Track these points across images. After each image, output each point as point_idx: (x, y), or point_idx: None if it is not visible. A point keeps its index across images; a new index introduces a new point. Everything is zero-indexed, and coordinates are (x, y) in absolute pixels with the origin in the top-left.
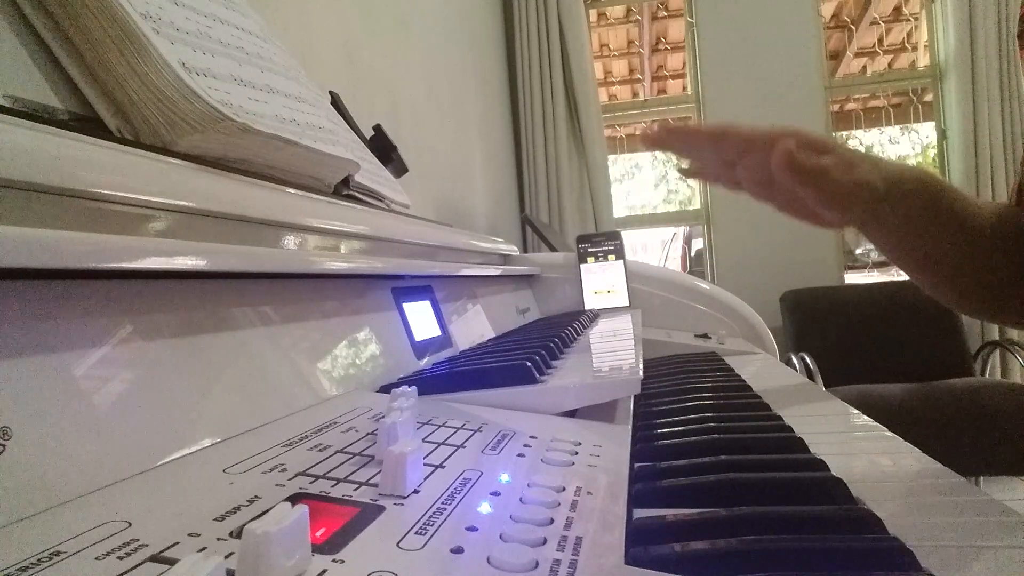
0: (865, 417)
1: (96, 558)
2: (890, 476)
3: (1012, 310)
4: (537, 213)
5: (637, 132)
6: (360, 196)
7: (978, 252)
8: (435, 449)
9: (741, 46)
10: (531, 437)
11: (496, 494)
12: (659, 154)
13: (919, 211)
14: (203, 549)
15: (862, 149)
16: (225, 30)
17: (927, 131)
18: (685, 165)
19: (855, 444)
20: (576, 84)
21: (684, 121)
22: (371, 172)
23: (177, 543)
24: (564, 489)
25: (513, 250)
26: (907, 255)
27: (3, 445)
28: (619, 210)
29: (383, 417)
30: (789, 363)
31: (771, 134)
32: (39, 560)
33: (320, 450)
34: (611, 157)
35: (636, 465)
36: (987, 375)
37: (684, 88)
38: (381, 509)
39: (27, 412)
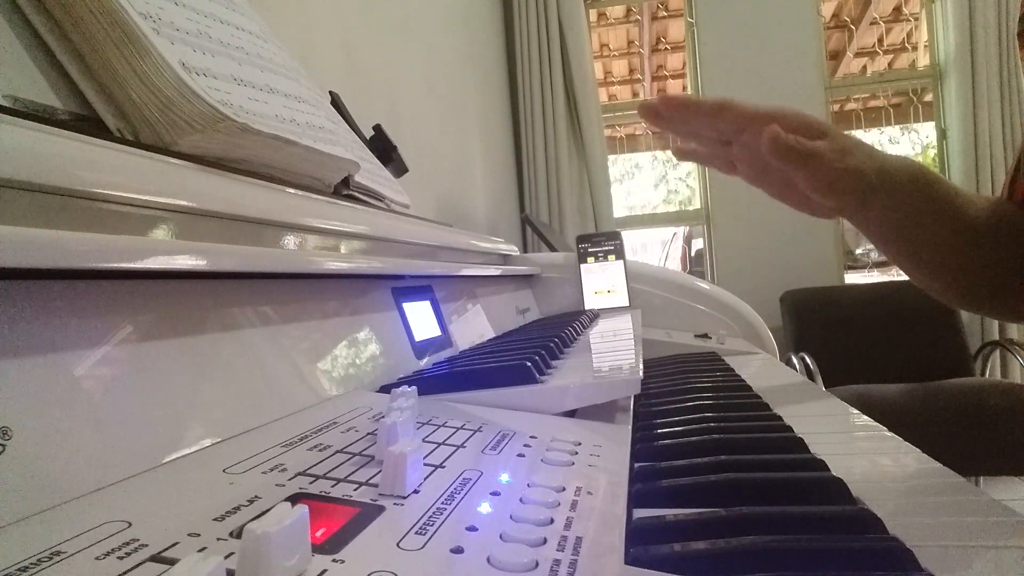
0: (865, 417)
1: (96, 558)
2: (890, 476)
3: (1004, 305)
4: (537, 213)
5: (637, 132)
6: (360, 196)
7: (971, 246)
8: (435, 449)
9: (741, 46)
10: (531, 437)
11: (496, 494)
12: (659, 154)
13: (911, 202)
14: (203, 549)
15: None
16: (225, 30)
17: (927, 131)
18: (680, 144)
19: (855, 444)
20: (576, 84)
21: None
22: (371, 172)
23: (177, 543)
24: (564, 489)
25: (513, 250)
26: (899, 246)
27: (3, 445)
28: (619, 210)
29: (383, 417)
30: (789, 363)
31: (770, 112)
32: (39, 560)
33: (320, 450)
34: (611, 157)
35: (636, 465)
36: (987, 375)
37: (684, 88)
38: (381, 509)
39: (27, 412)
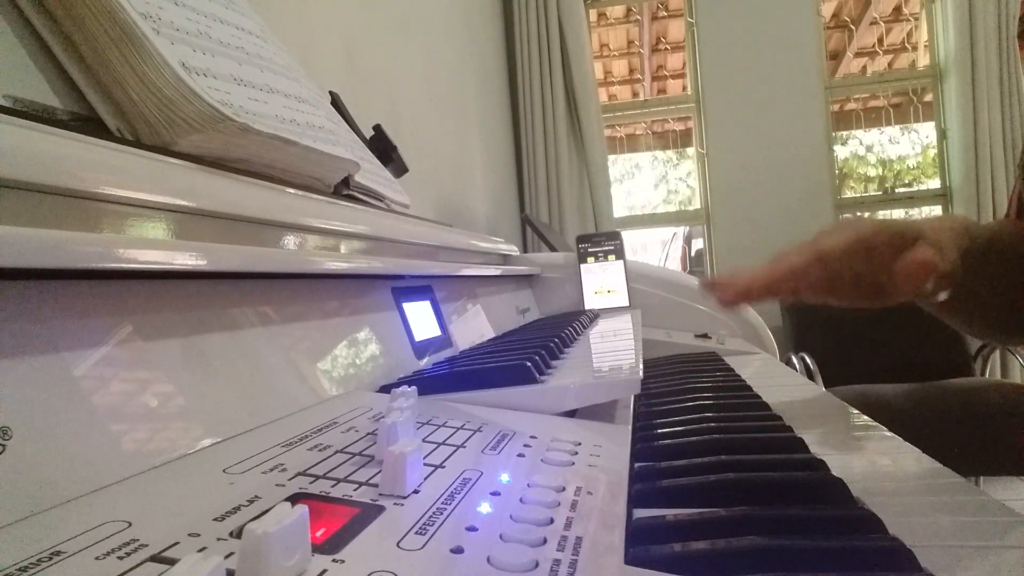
0: (865, 417)
1: (96, 558)
2: (890, 476)
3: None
4: (537, 213)
5: (637, 132)
6: (360, 196)
7: (993, 276)
8: (435, 449)
9: (741, 46)
10: (531, 437)
11: (496, 494)
12: (659, 154)
13: (976, 264)
14: (203, 549)
15: (863, 147)
16: (225, 30)
17: (927, 131)
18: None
19: (855, 444)
20: (576, 84)
21: (689, 122)
22: (371, 172)
23: (177, 543)
24: (564, 489)
25: (513, 250)
26: (957, 305)
27: (3, 445)
28: (619, 210)
29: (383, 417)
30: (789, 363)
31: (858, 245)
32: (39, 560)
33: (320, 450)
34: (611, 157)
35: (636, 465)
36: (987, 375)
37: (684, 88)
38: (381, 509)
39: (27, 412)
